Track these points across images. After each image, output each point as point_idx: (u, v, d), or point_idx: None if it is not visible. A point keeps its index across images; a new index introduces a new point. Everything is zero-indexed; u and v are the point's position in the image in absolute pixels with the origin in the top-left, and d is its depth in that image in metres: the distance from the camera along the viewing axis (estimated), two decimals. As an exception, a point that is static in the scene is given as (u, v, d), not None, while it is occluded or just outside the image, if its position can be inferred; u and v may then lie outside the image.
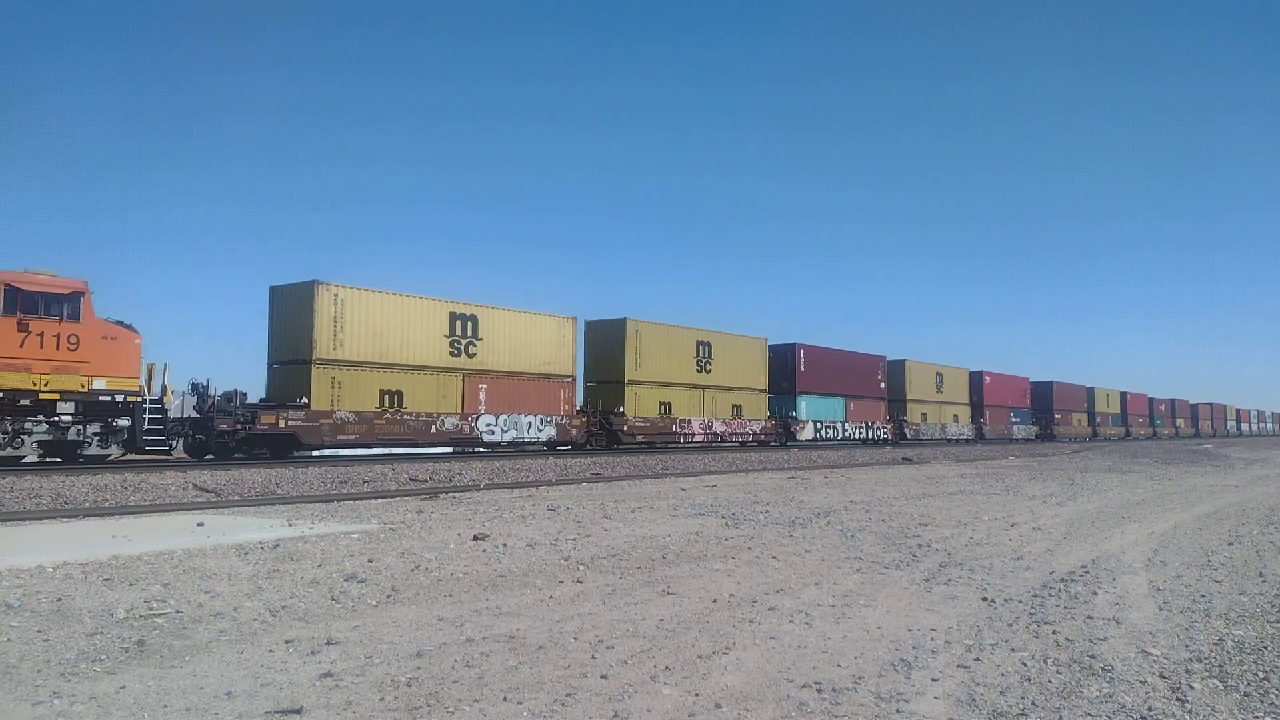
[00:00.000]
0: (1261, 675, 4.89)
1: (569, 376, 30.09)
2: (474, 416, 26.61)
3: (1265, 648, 5.49)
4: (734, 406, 37.06)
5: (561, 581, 7.26)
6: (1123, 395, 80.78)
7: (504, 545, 9.03)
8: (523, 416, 28.07)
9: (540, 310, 29.58)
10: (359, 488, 16.19)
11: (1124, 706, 4.31)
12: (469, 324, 27.02)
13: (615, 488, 16.90)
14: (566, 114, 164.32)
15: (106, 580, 6.96)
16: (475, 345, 27.12)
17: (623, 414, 31.50)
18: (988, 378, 58.18)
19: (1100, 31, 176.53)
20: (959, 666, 4.96)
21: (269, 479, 16.73)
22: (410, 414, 25.08)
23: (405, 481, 17.58)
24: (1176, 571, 8.27)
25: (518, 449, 28.61)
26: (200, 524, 10.47)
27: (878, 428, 45.98)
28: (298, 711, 4.06)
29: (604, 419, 31.18)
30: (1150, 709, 4.28)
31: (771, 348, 40.16)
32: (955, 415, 54.22)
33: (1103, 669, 4.94)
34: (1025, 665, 5.00)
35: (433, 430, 25.49)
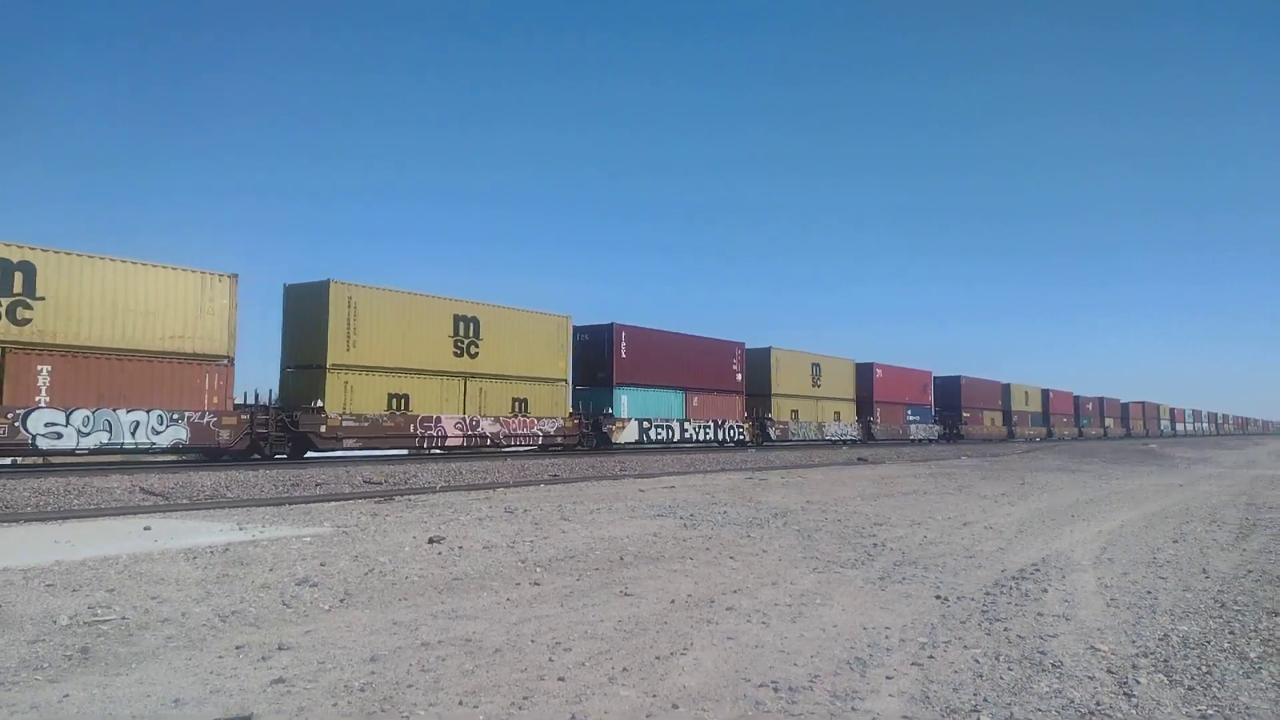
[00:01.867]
0: (1205, 669, 5.01)
1: (221, 358, 21.99)
2: (22, 413, 18.39)
3: (1209, 642, 5.63)
4: (516, 401, 28.38)
5: (519, 584, 7.22)
6: (1044, 393, 74.80)
7: (460, 548, 8.94)
8: (125, 413, 20.01)
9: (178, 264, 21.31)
10: (311, 490, 15.94)
11: (1073, 702, 4.38)
12: (15, 276, 18.87)
13: (573, 489, 16.84)
14: (565, 114, 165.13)
15: (49, 586, 6.76)
16: (29, 309, 19.02)
17: (320, 410, 23.45)
18: (879, 370, 51.36)
19: (1099, 31, 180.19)
20: (913, 664, 5.02)
21: (219, 482, 16.39)
22: None
23: (359, 484, 17.35)
24: (1124, 569, 8.46)
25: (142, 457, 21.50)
26: (147, 528, 10.23)
27: (731, 427, 38.17)
28: (248, 718, 3.97)
29: (290, 417, 23.26)
30: (1098, 704, 4.36)
31: (580, 330, 32.34)
32: (837, 413, 47.15)
33: (1053, 665, 5.03)
34: (978, 662, 5.07)
35: None
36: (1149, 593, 7.27)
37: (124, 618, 5.82)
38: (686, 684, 4.59)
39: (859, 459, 31.14)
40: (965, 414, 59.68)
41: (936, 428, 56.68)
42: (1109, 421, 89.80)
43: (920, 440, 53.97)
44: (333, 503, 13.76)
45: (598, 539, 9.74)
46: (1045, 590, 7.29)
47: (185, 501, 13.95)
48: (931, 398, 57.17)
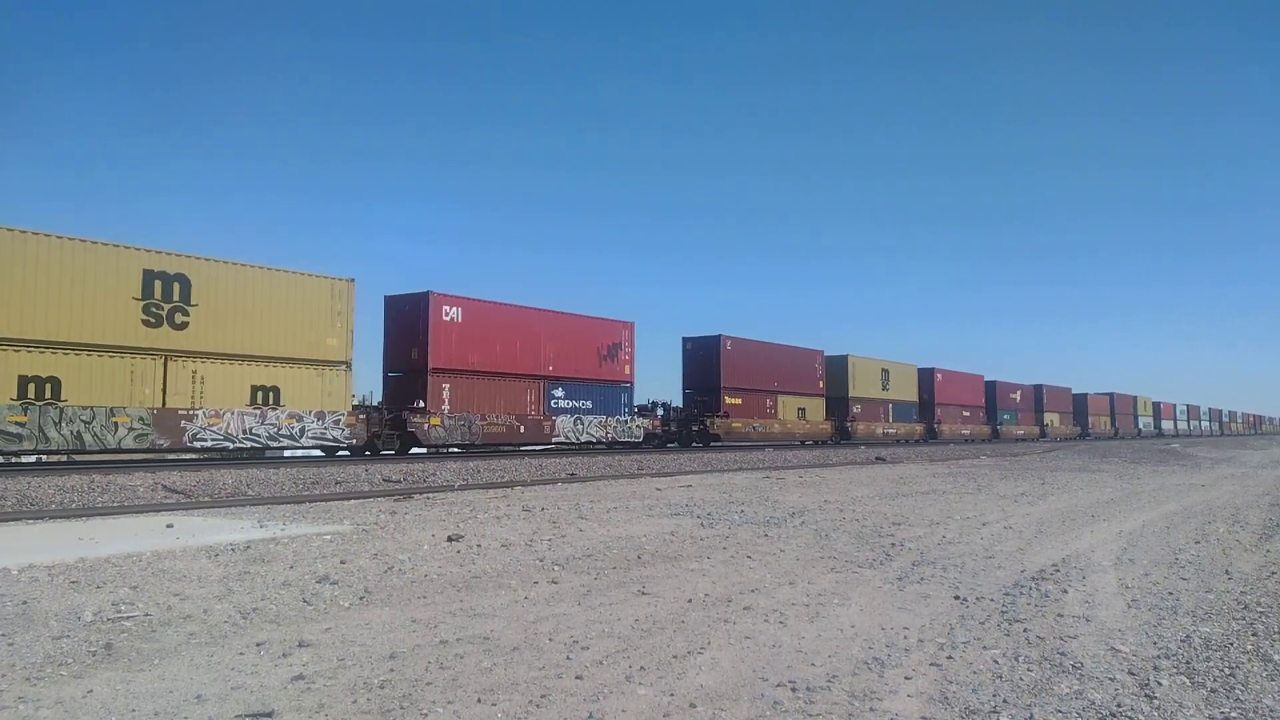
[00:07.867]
0: (1227, 671, 4.96)
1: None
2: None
3: (1231, 644, 5.57)
4: None
5: (536, 582, 7.24)
6: (925, 373, 52.81)
7: (478, 546, 8.98)
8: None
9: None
10: (331, 488, 16.05)
11: (1093, 703, 4.35)
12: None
13: (591, 488, 16.87)
14: (562, 115, 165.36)
15: (73, 583, 6.85)
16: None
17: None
18: (450, 308, 26.44)
19: (1099, 31, 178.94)
20: (932, 664, 5.00)
21: (240, 480, 16.54)
22: None
23: (379, 482, 17.45)
24: (1145, 569, 8.38)
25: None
26: (169, 525, 10.34)
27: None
28: (269, 715, 4.01)
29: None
30: (1119, 705, 4.33)
31: None
32: (261, 391, 21.84)
33: (1073, 666, 5.00)
34: (997, 663, 5.04)
35: None
36: (1170, 594, 7.20)
37: (147, 614, 5.89)
38: (704, 683, 4.59)
39: (877, 458, 31.00)
40: (730, 401, 37.27)
41: (642, 424, 33.83)
42: (1051, 418, 69.98)
43: (587, 444, 31.11)
44: (352, 501, 13.85)
45: (615, 538, 9.76)
46: (1065, 591, 7.24)
47: (207, 499, 14.08)
48: (631, 371, 33.15)
